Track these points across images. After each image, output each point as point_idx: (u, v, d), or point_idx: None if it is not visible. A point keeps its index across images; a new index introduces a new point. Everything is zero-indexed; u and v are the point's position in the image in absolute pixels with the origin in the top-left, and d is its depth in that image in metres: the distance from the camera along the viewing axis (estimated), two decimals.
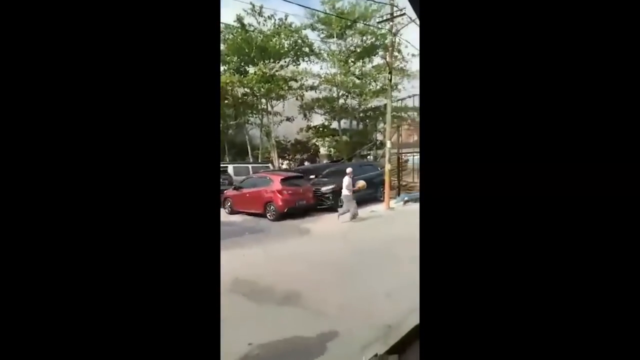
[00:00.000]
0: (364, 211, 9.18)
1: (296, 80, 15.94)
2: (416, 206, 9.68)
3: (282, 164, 18.63)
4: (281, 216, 8.13)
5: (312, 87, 16.76)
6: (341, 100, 18.33)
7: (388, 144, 9.44)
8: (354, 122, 19.28)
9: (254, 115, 16.35)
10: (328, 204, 9.19)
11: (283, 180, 8.41)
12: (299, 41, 15.09)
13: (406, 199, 10.26)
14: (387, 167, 9.39)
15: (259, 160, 15.96)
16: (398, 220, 7.75)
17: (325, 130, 18.92)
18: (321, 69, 17.67)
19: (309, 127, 18.87)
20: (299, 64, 16.16)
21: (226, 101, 15.47)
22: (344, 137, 18.42)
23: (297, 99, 16.84)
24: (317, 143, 19.30)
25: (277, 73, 14.84)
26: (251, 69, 14.11)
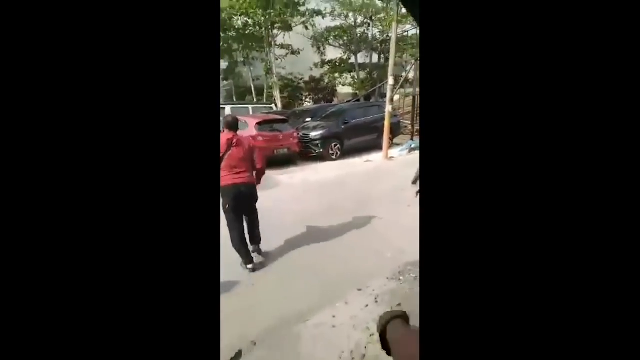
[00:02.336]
0: (355, 162, 8.02)
1: (300, 4, 13.67)
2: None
3: (296, 103, 17.17)
4: None
5: (319, 13, 14.34)
6: (360, 29, 15.91)
7: (390, 80, 7.79)
8: (376, 56, 16.89)
9: (259, 50, 14.64)
10: (316, 152, 8.09)
11: (259, 124, 7.33)
12: None
13: (413, 146, 8.82)
14: (388, 108, 7.87)
15: (264, 100, 14.70)
16: (386, 176, 6.55)
17: (343, 65, 16.87)
18: None
19: (323, 62, 16.86)
20: None
21: (229, 33, 13.90)
22: (362, 73, 16.37)
23: (306, 28, 14.69)
24: (333, 80, 17.38)
25: None
26: None
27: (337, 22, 15.54)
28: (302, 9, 13.78)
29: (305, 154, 8.26)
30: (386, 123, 7.89)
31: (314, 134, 8.15)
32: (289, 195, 5.45)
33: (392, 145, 9.33)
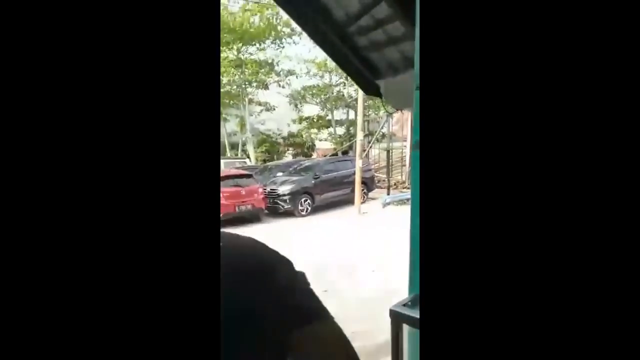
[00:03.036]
0: (327, 215, 7.46)
1: (273, 65, 14.12)
2: (396, 210, 7.81)
3: (275, 158, 17.02)
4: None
5: (292, 73, 14.83)
6: (336, 88, 16.45)
7: (359, 135, 7.60)
8: (353, 112, 17.33)
9: (234, 106, 14.77)
10: (285, 207, 7.53)
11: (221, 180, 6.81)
12: (274, 19, 13.18)
13: (387, 200, 8.38)
14: (358, 163, 7.56)
15: (239, 156, 14.43)
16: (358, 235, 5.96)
17: (320, 121, 17.12)
18: (309, 52, 15.67)
19: (301, 119, 17.13)
20: (282, 47, 14.30)
21: None
22: (340, 129, 16.57)
23: (282, 87, 15.09)
24: (311, 136, 17.50)
25: (251, 57, 13.18)
26: (223, 54, 12.45)
27: (314, 82, 16.06)
28: (277, 68, 14.22)
29: (273, 210, 7.69)
30: (357, 178, 7.52)
31: (282, 189, 7.67)
32: None
33: (366, 199, 8.91)
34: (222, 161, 11.72)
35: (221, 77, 13.60)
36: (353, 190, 8.06)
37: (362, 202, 8.73)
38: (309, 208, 7.76)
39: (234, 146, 16.03)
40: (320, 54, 15.05)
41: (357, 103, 16.82)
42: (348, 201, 8.23)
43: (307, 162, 9.59)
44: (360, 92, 8.00)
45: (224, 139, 16.13)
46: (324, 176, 8.27)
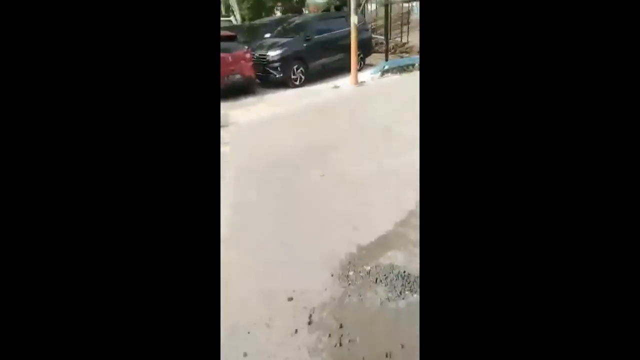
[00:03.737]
0: (322, 87, 7.08)
1: None
2: (396, 78, 7.40)
3: (263, 15, 14.92)
4: None
5: None
6: None
7: None
8: None
9: None
10: (276, 76, 7.02)
11: None
12: None
13: (386, 67, 7.83)
14: (353, 19, 6.66)
15: (223, 14, 12.56)
16: (354, 109, 5.77)
17: None
18: None
19: None
20: None
21: None
22: None
23: None
24: None
25: None
26: None
27: None
28: None
29: (263, 79, 7.19)
30: (352, 39, 6.76)
31: (272, 54, 6.97)
32: (243, 141, 4.68)
33: (363, 66, 8.30)
34: None
35: None
36: (349, 55, 7.39)
37: (359, 70, 8.17)
38: (302, 77, 7.26)
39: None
40: None
41: None
42: (343, 68, 7.66)
43: (296, 20, 8.42)
44: None
45: None
46: (317, 37, 7.44)
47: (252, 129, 4.89)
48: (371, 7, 14.10)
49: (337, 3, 12.81)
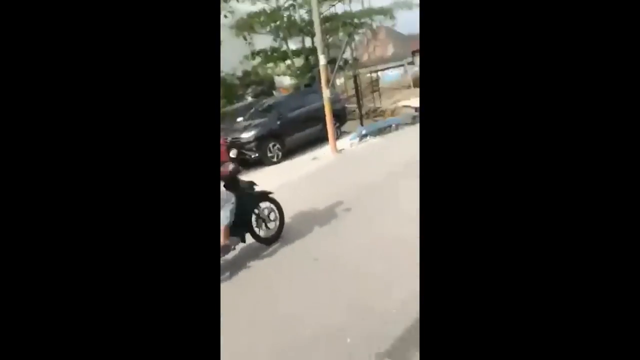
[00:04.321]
0: (301, 160, 6.74)
1: None
2: (375, 142, 7.19)
3: (234, 102, 15.41)
4: None
5: None
6: (286, 12, 14.43)
7: (321, 60, 6.55)
8: (309, 40, 15.58)
9: None
10: (252, 157, 6.69)
11: None
12: None
13: (364, 132, 7.69)
14: (325, 93, 6.63)
15: None
16: (338, 176, 5.35)
17: (276, 53, 15.33)
18: None
19: (253, 54, 15.22)
20: None
21: None
22: (297, 60, 14.96)
23: (224, 16, 12.95)
24: (268, 71, 15.79)
25: None
26: None
27: (258, 7, 13.88)
28: None
29: (240, 162, 6.83)
30: (327, 110, 6.66)
31: (245, 136, 6.73)
32: None
33: (340, 134, 8.18)
34: None
35: None
36: (325, 126, 7.26)
37: (337, 138, 8.02)
38: (279, 154, 6.96)
39: None
40: None
41: (312, 27, 15.12)
42: (321, 139, 7.46)
43: (268, 101, 8.45)
44: (316, 13, 6.72)
45: None
46: (290, 114, 7.34)
47: None
48: (339, 81, 14.91)
49: (307, 82, 13.43)
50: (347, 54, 11.90)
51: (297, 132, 7.36)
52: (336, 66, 12.05)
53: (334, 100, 8.38)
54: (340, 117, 8.55)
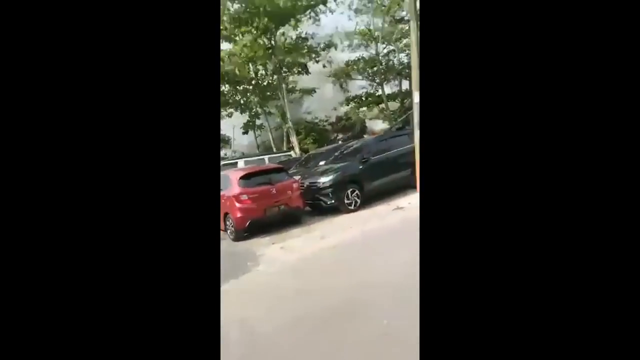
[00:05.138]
0: (383, 209, 5.83)
1: (307, 40, 12.46)
2: None
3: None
4: (245, 232, 5.42)
5: (330, 45, 12.92)
6: (384, 58, 14.32)
7: (415, 97, 5.78)
8: (406, 83, 15.05)
9: (275, 98, 13.57)
10: (328, 203, 6.09)
11: (244, 179, 5.61)
12: None
13: None
14: (417, 134, 5.74)
15: (284, 150, 13.31)
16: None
17: (370, 97, 15.19)
18: (349, 20, 13.72)
19: (348, 100, 15.38)
20: (318, 20, 12.55)
21: (245, 86, 13.08)
22: (391, 104, 14.47)
23: (323, 66, 13.45)
24: (360, 116, 15.66)
25: (284, 38, 11.74)
26: (242, 38, 11.06)
27: (357, 54, 14.13)
28: (313, 43, 12.56)
29: (315, 207, 6.32)
30: (416, 154, 5.72)
31: (322, 180, 6.22)
32: (267, 288, 3.43)
33: None
34: (265, 157, 10.73)
35: (256, 67, 12.52)
36: (414, 172, 6.29)
37: None
38: (358, 200, 6.20)
39: (282, 140, 15.05)
40: (362, 20, 13.18)
41: (409, 69, 14.65)
42: (407, 186, 6.48)
43: (353, 144, 7.92)
44: (415, 53, 6.07)
45: (269, 133, 15.19)
46: (374, 158, 6.60)
47: (283, 276, 3.63)
48: None
49: (399, 125, 12.72)
50: None
51: (381, 178, 6.54)
52: None
53: None
54: None
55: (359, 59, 14.19)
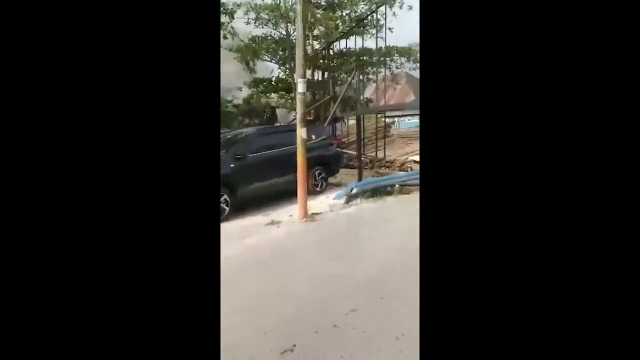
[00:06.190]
0: (253, 223, 4.56)
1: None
2: (367, 208, 5.00)
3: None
4: None
5: (231, 13, 11.09)
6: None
7: (299, 86, 4.59)
8: (319, 73, 14.02)
9: None
10: None
11: None
12: None
13: (354, 190, 5.53)
14: (300, 132, 4.57)
15: None
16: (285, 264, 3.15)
17: (280, 84, 13.79)
18: None
19: (254, 82, 13.69)
20: None
21: None
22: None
23: (224, 37, 11.51)
24: (267, 102, 14.18)
25: None
26: None
27: (265, 31, 12.51)
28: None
29: None
30: (299, 156, 4.57)
31: None
32: None
33: (325, 188, 6.09)
34: None
35: None
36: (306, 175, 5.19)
37: (320, 192, 5.92)
38: (226, 209, 4.82)
39: None
40: None
41: (324, 61, 13.66)
42: (293, 192, 5.35)
43: (228, 135, 6.44)
44: (300, 34, 4.83)
45: None
46: (252, 156, 5.28)
47: None
48: (348, 121, 13.11)
49: (310, 118, 11.67)
50: (354, 93, 10.09)
51: (260, 181, 5.27)
52: (337, 103, 10.27)
53: (322, 144, 6.38)
54: (331, 165, 6.50)
55: (265, 36, 12.58)
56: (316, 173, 6.01)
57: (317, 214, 4.75)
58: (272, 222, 4.55)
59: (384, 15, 11.41)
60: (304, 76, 4.66)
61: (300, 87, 4.56)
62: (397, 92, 19.20)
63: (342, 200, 5.39)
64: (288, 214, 4.91)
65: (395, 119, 15.80)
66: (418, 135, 12.01)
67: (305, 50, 13.64)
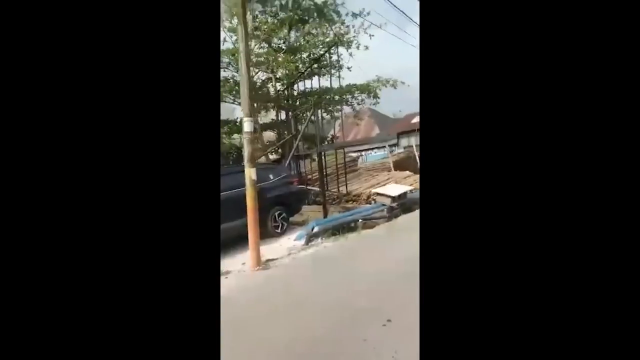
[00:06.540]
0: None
1: None
2: (329, 248, 4.67)
3: None
4: None
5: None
6: (259, 84, 13.20)
7: (246, 126, 4.40)
8: (284, 113, 14.12)
9: None
10: None
11: None
12: None
13: (315, 229, 5.23)
14: (249, 173, 4.31)
15: None
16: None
17: (237, 125, 13.70)
18: (224, 40, 12.28)
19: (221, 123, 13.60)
20: None
21: None
22: (267, 133, 13.31)
23: None
24: (234, 143, 14.01)
25: None
26: None
27: (227, 74, 12.61)
28: None
29: None
30: (248, 198, 4.27)
31: None
32: None
33: (286, 229, 5.76)
34: None
35: None
36: (266, 217, 4.84)
37: (280, 233, 5.58)
38: None
39: None
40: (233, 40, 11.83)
41: (290, 100, 13.82)
42: (244, 237, 4.94)
43: None
44: (244, 68, 4.75)
45: None
46: None
47: None
48: (313, 158, 13.04)
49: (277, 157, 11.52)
50: (314, 131, 10.11)
51: None
52: (297, 140, 10.22)
53: (281, 183, 6.14)
54: (291, 204, 6.22)
55: (227, 79, 12.67)
56: (276, 214, 5.71)
57: (272, 260, 4.37)
58: (222, 273, 4.11)
59: (341, 56, 11.82)
60: (249, 115, 4.49)
61: (247, 127, 4.37)
62: (362, 127, 19.69)
63: (303, 241, 5.05)
64: (241, 261, 4.49)
65: (362, 153, 16.01)
66: (383, 167, 12.12)
67: (268, 91, 13.80)
